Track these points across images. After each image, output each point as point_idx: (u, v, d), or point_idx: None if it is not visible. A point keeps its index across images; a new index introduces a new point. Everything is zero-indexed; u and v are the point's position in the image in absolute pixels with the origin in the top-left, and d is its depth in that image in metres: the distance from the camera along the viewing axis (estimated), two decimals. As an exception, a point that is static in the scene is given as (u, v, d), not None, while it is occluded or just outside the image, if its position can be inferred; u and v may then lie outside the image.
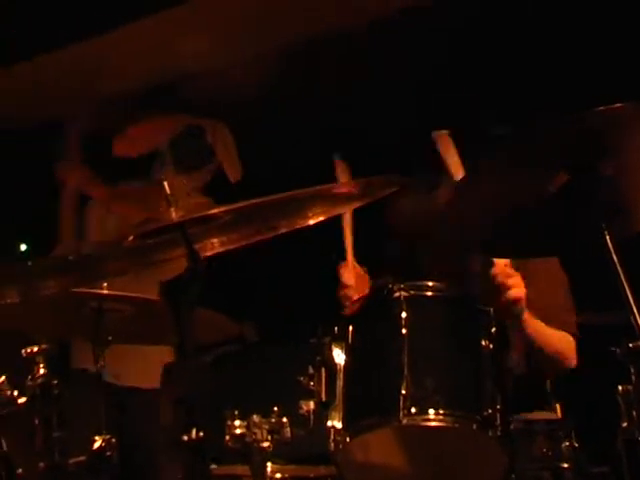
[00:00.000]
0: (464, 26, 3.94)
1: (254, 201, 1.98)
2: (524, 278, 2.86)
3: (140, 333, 3.00)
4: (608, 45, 3.62)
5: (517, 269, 2.88)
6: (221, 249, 2.18)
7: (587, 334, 3.07)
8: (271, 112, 4.23)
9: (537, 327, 2.95)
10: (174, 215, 1.96)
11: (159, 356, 3.52)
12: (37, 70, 4.55)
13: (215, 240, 2.15)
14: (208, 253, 2.14)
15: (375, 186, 2.23)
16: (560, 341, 3.03)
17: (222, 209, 1.98)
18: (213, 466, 3.01)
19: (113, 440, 2.60)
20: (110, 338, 2.83)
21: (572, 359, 3.05)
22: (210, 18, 4.17)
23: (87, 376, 3.34)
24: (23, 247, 4.67)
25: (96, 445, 2.56)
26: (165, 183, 2.00)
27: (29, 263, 2.34)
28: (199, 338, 2.88)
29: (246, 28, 4.21)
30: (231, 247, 2.19)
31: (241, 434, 2.56)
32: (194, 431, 1.85)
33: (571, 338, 3.05)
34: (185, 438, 1.84)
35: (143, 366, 3.59)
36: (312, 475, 2.89)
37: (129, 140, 3.89)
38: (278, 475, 2.83)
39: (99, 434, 2.60)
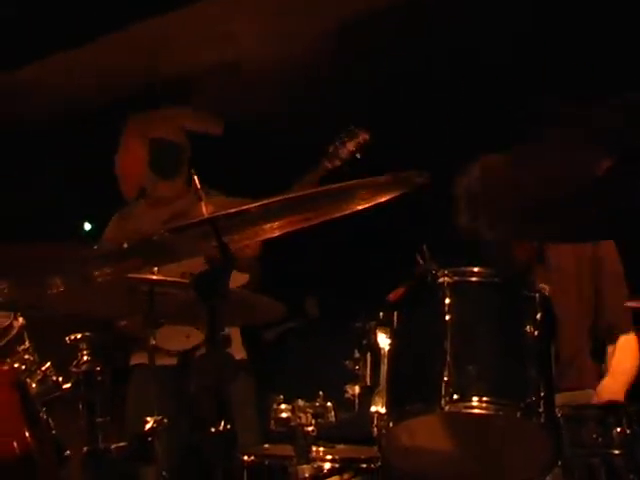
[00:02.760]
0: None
1: (286, 196, 2.00)
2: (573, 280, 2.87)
3: (190, 315, 3.04)
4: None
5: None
6: (279, 233, 2.22)
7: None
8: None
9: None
10: (204, 209, 1.99)
11: None
12: (98, 52, 4.62)
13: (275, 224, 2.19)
14: (267, 236, 2.18)
15: (408, 179, 2.23)
16: (633, 365, 3.06)
17: (255, 205, 2.00)
18: (265, 445, 3.09)
19: (165, 421, 2.65)
20: (162, 321, 2.87)
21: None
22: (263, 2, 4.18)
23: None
24: (87, 226, 4.77)
25: (148, 426, 2.61)
26: (195, 177, 2.02)
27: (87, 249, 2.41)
28: (246, 321, 2.94)
29: (296, 12, 4.21)
30: (287, 230, 2.23)
31: (286, 418, 2.59)
32: (222, 423, 1.88)
33: (634, 341, 3.05)
34: (213, 430, 1.87)
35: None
36: (363, 456, 2.91)
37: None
38: (329, 457, 2.86)
39: (151, 415, 2.65)
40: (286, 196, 2.00)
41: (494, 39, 3.78)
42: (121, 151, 3.95)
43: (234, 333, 3.74)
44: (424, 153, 3.27)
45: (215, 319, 1.91)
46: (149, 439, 2.40)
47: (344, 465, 2.84)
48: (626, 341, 3.21)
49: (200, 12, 4.44)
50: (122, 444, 2.38)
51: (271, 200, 1.98)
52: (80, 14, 4.36)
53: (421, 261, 3.04)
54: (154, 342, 2.84)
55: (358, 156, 3.46)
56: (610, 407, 2.79)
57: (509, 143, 2.88)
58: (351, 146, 3.46)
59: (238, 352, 3.76)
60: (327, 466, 2.82)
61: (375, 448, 2.76)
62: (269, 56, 4.39)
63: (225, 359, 1.94)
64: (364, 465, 2.88)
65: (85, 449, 2.31)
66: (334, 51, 4.19)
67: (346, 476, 2.78)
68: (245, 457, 3.07)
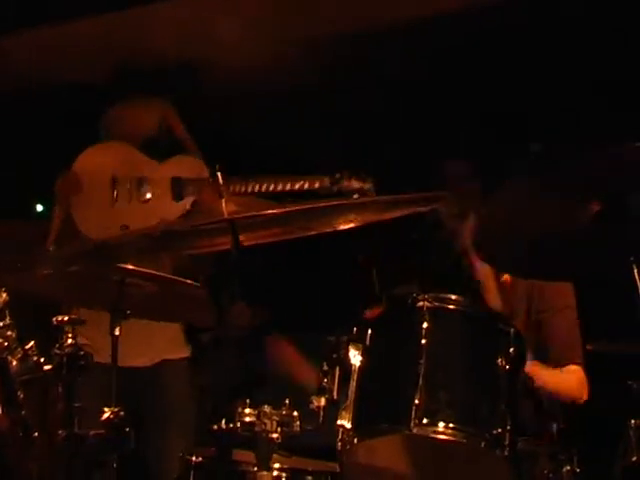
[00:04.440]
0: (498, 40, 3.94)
1: (303, 206, 2.01)
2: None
3: (158, 310, 3.02)
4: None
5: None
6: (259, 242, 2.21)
7: (602, 363, 3.09)
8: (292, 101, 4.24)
9: (546, 378, 3.01)
10: (224, 207, 1.98)
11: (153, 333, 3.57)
12: (66, 33, 4.56)
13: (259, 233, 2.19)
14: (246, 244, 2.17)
15: (415, 202, 2.27)
16: (571, 383, 3.08)
17: (273, 211, 2.00)
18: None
19: (122, 413, 2.62)
20: (129, 312, 2.84)
21: (584, 394, 3.07)
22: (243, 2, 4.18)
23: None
24: (39, 208, 4.68)
25: (105, 416, 2.58)
26: (219, 174, 2.01)
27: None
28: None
29: (276, 15, 4.21)
30: (268, 241, 2.23)
31: (250, 422, 2.58)
32: (224, 421, 1.87)
33: (581, 372, 3.07)
34: (215, 427, 1.86)
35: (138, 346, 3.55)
36: (310, 469, 2.92)
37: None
38: (277, 465, 2.86)
39: (108, 406, 2.62)
40: (304, 206, 2.00)
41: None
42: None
43: (177, 331, 3.71)
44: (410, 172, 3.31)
45: (224, 317, 1.91)
46: (126, 429, 2.37)
47: (291, 476, 2.86)
48: (574, 370, 3.19)
49: (181, 7, 4.43)
50: (100, 431, 2.35)
51: (294, 208, 1.99)
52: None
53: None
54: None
55: (355, 197, 3.49)
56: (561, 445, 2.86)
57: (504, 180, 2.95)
58: (355, 185, 3.49)
59: (182, 351, 3.74)
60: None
61: (329, 463, 2.80)
62: (250, 57, 4.38)
63: (229, 357, 1.93)
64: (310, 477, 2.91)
65: (61, 433, 2.28)
66: (318, 60, 4.21)
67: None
68: (193, 457, 3.06)
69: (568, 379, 3.13)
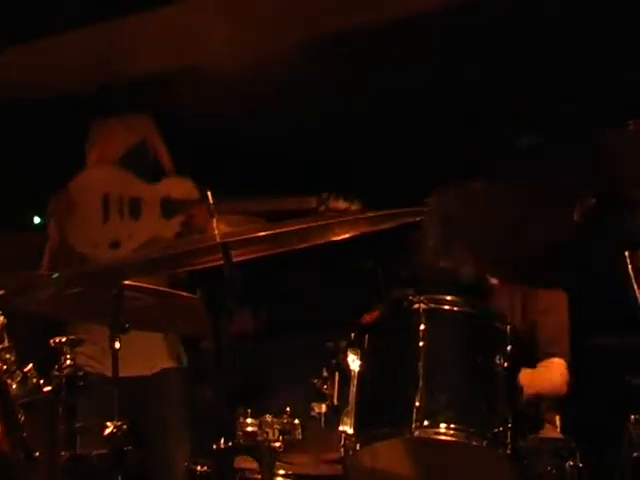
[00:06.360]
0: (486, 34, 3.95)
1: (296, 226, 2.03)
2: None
3: (156, 322, 3.04)
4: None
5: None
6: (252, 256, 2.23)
7: (600, 358, 3.11)
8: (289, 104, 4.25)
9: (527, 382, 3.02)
10: (215, 226, 1.99)
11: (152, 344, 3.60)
12: (56, 46, 4.58)
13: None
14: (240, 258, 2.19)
15: (401, 215, 2.28)
16: (553, 381, 3.12)
17: (263, 233, 2.02)
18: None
19: (124, 427, 2.63)
20: (127, 325, 2.85)
21: (563, 387, 3.13)
22: (235, 8, 4.19)
23: None
24: (37, 220, 4.70)
25: (107, 431, 2.58)
26: (209, 193, 2.02)
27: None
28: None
29: (269, 22, 4.23)
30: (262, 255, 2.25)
31: (252, 432, 2.58)
32: (222, 440, 1.87)
33: (564, 366, 3.12)
34: (214, 447, 1.86)
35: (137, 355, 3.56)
36: (314, 474, 2.93)
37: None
38: (281, 472, 2.87)
39: (110, 421, 2.62)
40: (297, 226, 2.02)
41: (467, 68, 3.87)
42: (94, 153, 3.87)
43: (175, 340, 3.73)
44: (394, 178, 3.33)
45: (221, 335, 1.91)
46: (125, 448, 2.37)
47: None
48: (557, 363, 3.27)
49: (162, 16, 4.44)
50: (102, 451, 2.35)
51: (284, 229, 2.00)
52: (38, 9, 4.31)
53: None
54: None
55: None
56: (563, 441, 2.87)
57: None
58: (342, 206, 3.54)
59: (180, 361, 3.76)
60: (279, 480, 2.83)
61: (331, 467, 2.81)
62: (235, 63, 4.39)
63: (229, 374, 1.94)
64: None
65: (64, 454, 2.28)
66: (303, 64, 4.23)
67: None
68: (198, 467, 3.07)
69: (549, 377, 3.19)
